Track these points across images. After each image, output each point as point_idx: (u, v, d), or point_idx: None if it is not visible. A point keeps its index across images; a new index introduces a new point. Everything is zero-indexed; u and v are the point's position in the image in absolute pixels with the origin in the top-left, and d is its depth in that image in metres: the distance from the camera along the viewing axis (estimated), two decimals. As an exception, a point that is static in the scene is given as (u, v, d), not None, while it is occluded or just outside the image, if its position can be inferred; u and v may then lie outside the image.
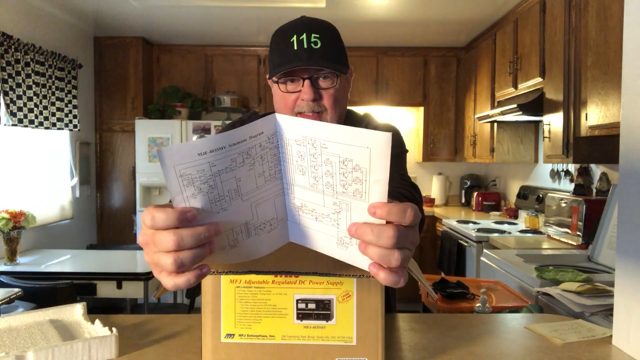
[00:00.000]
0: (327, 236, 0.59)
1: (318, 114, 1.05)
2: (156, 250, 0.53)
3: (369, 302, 0.74)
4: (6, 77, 3.13)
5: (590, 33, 2.36)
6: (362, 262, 0.56)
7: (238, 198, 0.57)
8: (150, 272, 2.75)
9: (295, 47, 1.03)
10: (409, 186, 0.94)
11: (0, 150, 3.25)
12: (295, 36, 1.03)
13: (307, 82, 1.04)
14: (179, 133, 4.22)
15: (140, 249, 3.83)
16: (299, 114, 1.05)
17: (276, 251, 0.65)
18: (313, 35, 1.03)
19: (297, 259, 0.72)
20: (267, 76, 1.12)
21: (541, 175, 3.70)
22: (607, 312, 1.50)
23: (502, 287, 2.19)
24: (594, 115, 2.31)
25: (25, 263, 2.96)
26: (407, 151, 1.12)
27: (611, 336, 0.97)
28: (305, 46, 1.02)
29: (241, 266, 0.72)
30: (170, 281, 0.54)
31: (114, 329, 0.87)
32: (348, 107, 1.19)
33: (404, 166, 1.07)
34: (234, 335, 0.76)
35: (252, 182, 0.57)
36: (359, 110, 1.28)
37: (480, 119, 3.76)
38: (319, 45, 1.03)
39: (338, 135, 0.53)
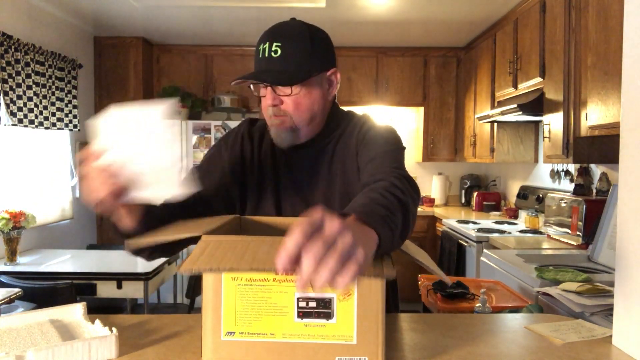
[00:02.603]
0: None
1: (283, 117, 1.09)
2: None
3: (370, 301, 0.74)
4: (6, 77, 3.13)
5: (590, 33, 2.36)
6: None
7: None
8: (150, 273, 2.75)
9: (260, 56, 1.07)
10: (403, 179, 0.93)
11: (0, 150, 3.25)
12: (262, 44, 1.08)
13: (268, 88, 1.08)
14: (179, 133, 4.21)
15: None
16: (270, 116, 1.10)
17: (277, 250, 0.65)
18: (275, 44, 1.05)
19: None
20: None
21: (541, 175, 3.70)
22: (607, 312, 1.50)
23: (502, 287, 2.19)
24: (594, 115, 2.31)
25: (25, 263, 2.96)
26: (404, 148, 1.13)
27: (611, 336, 0.97)
28: (266, 55, 1.06)
29: (243, 264, 0.72)
30: None
31: (114, 329, 0.87)
32: (348, 108, 1.19)
33: (401, 161, 1.07)
34: (234, 333, 0.76)
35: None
36: (359, 110, 1.28)
37: (480, 119, 3.76)
38: (278, 54, 1.05)
39: None
